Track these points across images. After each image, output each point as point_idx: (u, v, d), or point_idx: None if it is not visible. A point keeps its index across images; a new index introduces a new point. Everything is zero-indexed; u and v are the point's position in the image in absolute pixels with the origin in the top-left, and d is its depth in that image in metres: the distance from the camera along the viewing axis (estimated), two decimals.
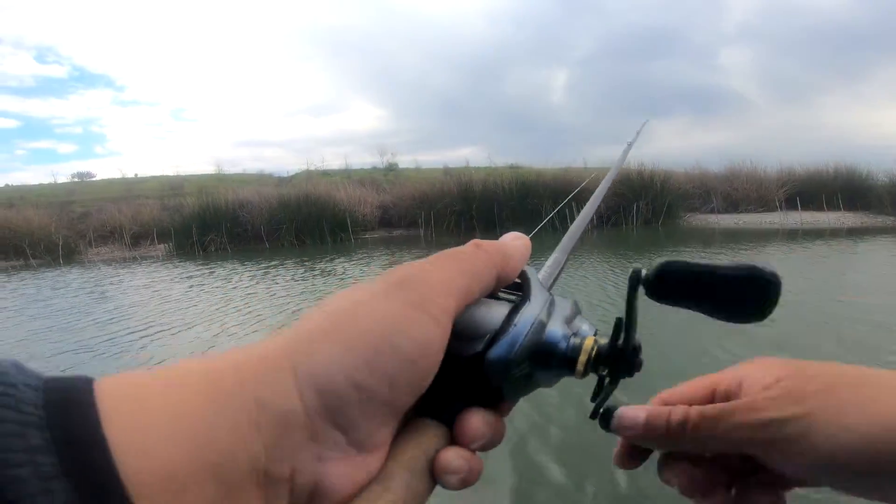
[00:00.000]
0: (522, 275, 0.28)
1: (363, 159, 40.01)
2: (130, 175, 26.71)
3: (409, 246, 13.05)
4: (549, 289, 0.30)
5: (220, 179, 25.16)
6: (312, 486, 0.19)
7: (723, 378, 0.32)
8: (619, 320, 0.26)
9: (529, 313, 0.25)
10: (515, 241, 0.28)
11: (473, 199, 15.42)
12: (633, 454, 0.33)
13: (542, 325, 0.25)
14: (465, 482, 0.23)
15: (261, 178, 25.79)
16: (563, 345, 0.25)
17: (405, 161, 29.13)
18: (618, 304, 5.77)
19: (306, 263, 10.68)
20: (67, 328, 6.30)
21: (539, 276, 0.30)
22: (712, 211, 15.44)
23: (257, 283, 8.78)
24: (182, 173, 26.73)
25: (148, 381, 0.17)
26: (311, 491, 0.19)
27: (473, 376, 0.24)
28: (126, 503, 0.14)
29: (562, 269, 0.34)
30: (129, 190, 22.41)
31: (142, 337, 5.53)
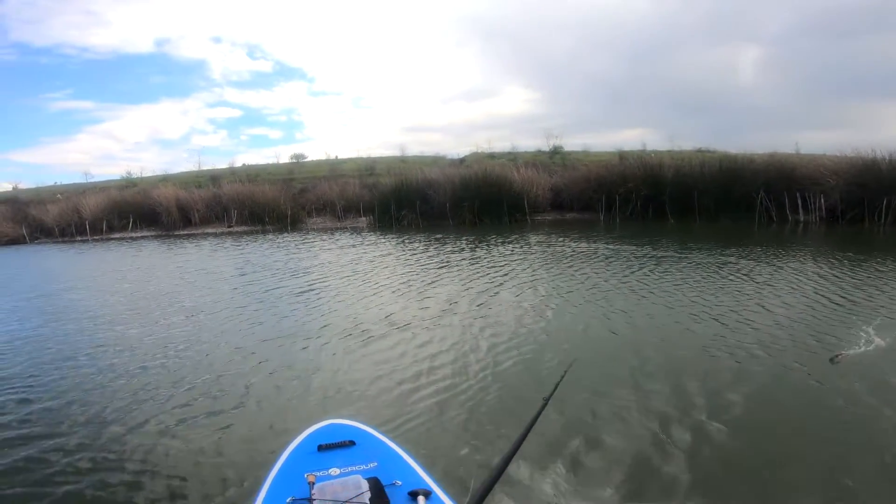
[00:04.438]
0: None
1: (518, 142, 39.62)
2: (332, 157, 31.18)
3: (586, 229, 12.76)
4: None
5: (403, 161, 27.77)
6: None
7: None
8: None
9: None
10: None
11: (665, 184, 14.23)
12: None
13: None
14: None
15: (436, 160, 27.68)
16: None
17: (570, 144, 28.15)
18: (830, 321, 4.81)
19: (490, 240, 11.25)
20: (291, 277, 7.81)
21: None
22: None
23: (448, 255, 9.58)
24: (372, 156, 30.17)
25: None
26: None
27: None
28: None
29: None
30: (333, 170, 26.27)
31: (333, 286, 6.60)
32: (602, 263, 8.04)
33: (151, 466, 2.67)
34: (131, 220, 19.29)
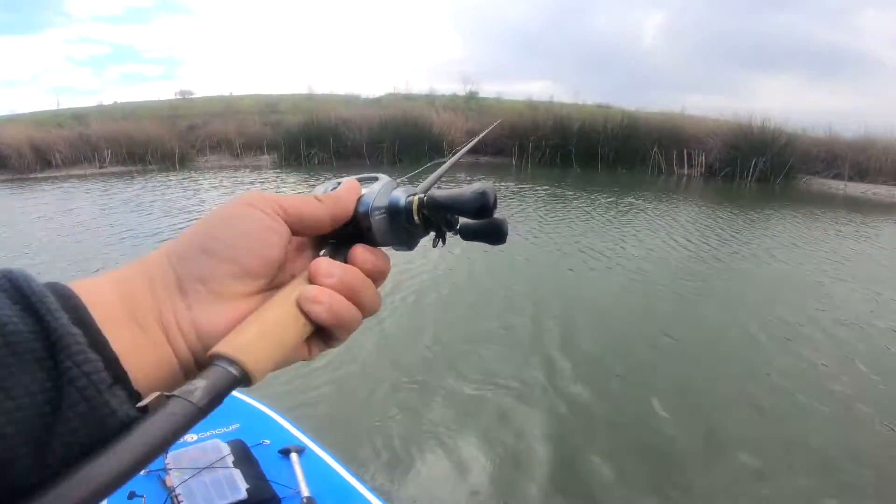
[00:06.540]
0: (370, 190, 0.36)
1: (435, 85, 38.52)
2: (227, 94, 27.87)
3: (498, 172, 13.41)
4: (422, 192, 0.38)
5: (310, 99, 25.66)
6: (194, 327, 0.27)
7: None
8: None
9: (375, 187, 0.35)
10: (349, 194, 0.34)
11: (572, 135, 15.10)
12: None
13: (387, 193, 0.35)
14: (332, 312, 0.28)
15: (348, 99, 25.92)
16: (402, 201, 0.35)
17: (485, 90, 27.67)
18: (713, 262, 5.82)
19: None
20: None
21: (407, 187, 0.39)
22: (836, 177, 13.90)
23: None
24: (275, 93, 27.48)
25: (105, 277, 0.27)
26: (196, 332, 0.27)
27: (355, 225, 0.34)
28: (85, 312, 0.23)
29: (437, 179, 0.43)
30: (228, 106, 23.40)
31: None
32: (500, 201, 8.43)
33: None
34: None
